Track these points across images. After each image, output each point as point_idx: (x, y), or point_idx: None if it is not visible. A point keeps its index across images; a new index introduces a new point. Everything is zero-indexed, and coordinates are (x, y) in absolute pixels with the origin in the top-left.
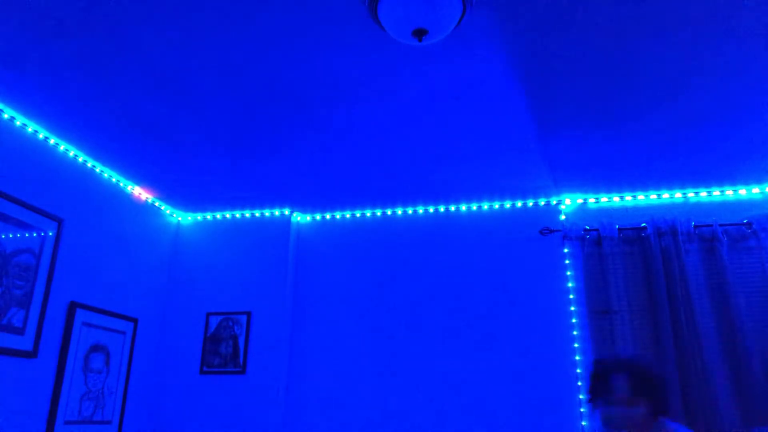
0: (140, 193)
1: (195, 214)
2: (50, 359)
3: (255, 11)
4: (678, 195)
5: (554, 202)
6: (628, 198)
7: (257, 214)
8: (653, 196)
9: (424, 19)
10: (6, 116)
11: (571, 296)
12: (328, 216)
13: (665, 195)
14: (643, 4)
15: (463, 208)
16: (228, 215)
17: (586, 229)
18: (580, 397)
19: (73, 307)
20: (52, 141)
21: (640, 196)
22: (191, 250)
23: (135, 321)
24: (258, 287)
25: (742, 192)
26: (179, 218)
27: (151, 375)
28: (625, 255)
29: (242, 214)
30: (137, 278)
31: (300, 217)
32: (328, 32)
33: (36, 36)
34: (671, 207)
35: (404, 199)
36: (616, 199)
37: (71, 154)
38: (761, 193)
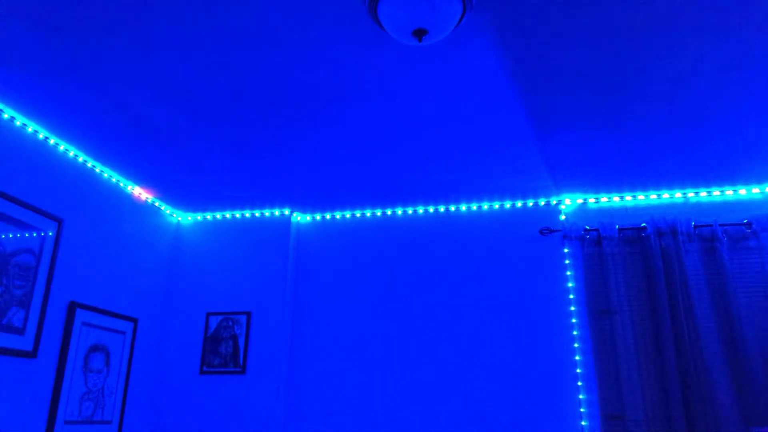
0: (140, 193)
1: (195, 214)
2: (50, 359)
3: (255, 11)
4: (678, 195)
5: (554, 202)
6: (628, 198)
7: (257, 214)
8: (653, 196)
9: (424, 20)
10: (6, 116)
11: (571, 296)
12: (328, 216)
13: (665, 195)
14: (642, 3)
15: (463, 208)
16: (228, 215)
17: (586, 229)
18: (580, 397)
19: (73, 307)
20: (52, 141)
21: (640, 196)
22: (191, 250)
23: (135, 321)
24: (258, 287)
25: (742, 192)
26: (179, 218)
27: (151, 375)
28: (625, 255)
29: (242, 214)
30: (137, 278)
31: (300, 217)
32: (328, 32)
33: (37, 36)
34: (671, 207)
35: (404, 199)
36: (616, 199)
37: (71, 154)
38: (761, 193)
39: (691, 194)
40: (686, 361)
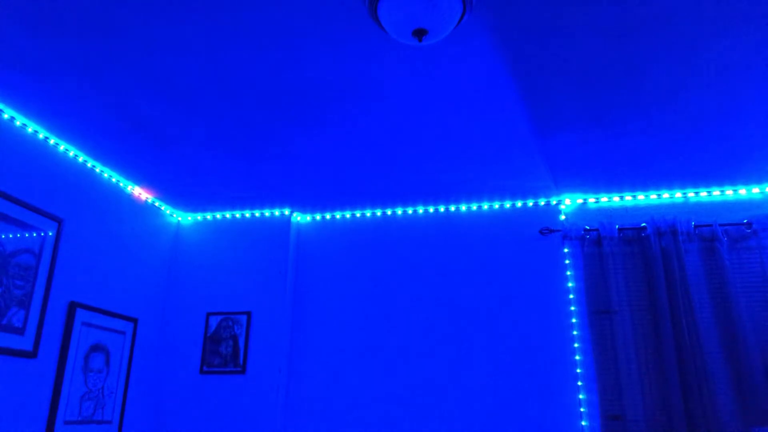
0: (140, 193)
1: (195, 214)
2: (50, 359)
3: (255, 11)
4: (678, 195)
5: (554, 202)
6: (628, 198)
7: (257, 214)
8: (653, 196)
9: (424, 20)
10: (6, 116)
11: (571, 296)
12: (328, 216)
13: (665, 195)
14: (642, 4)
15: (463, 208)
16: (228, 215)
17: (586, 229)
18: (580, 397)
19: (73, 307)
20: (52, 141)
21: (640, 196)
22: (191, 250)
23: (135, 321)
24: (258, 287)
25: (742, 192)
26: (179, 218)
27: (151, 375)
28: (625, 255)
29: (242, 214)
30: (137, 278)
31: (300, 217)
32: (328, 32)
33: (36, 36)
34: (671, 207)
35: (404, 199)
36: (616, 199)
37: (71, 154)
38: (761, 193)
39: (691, 194)
40: (686, 361)
